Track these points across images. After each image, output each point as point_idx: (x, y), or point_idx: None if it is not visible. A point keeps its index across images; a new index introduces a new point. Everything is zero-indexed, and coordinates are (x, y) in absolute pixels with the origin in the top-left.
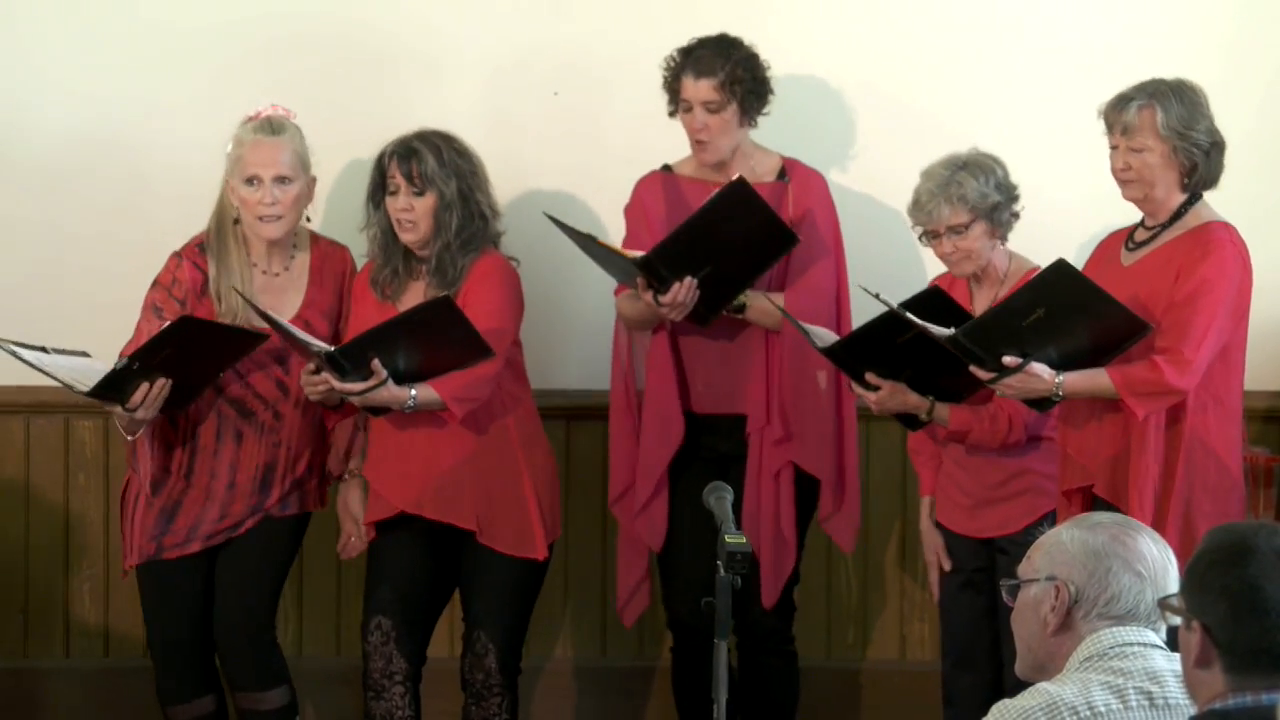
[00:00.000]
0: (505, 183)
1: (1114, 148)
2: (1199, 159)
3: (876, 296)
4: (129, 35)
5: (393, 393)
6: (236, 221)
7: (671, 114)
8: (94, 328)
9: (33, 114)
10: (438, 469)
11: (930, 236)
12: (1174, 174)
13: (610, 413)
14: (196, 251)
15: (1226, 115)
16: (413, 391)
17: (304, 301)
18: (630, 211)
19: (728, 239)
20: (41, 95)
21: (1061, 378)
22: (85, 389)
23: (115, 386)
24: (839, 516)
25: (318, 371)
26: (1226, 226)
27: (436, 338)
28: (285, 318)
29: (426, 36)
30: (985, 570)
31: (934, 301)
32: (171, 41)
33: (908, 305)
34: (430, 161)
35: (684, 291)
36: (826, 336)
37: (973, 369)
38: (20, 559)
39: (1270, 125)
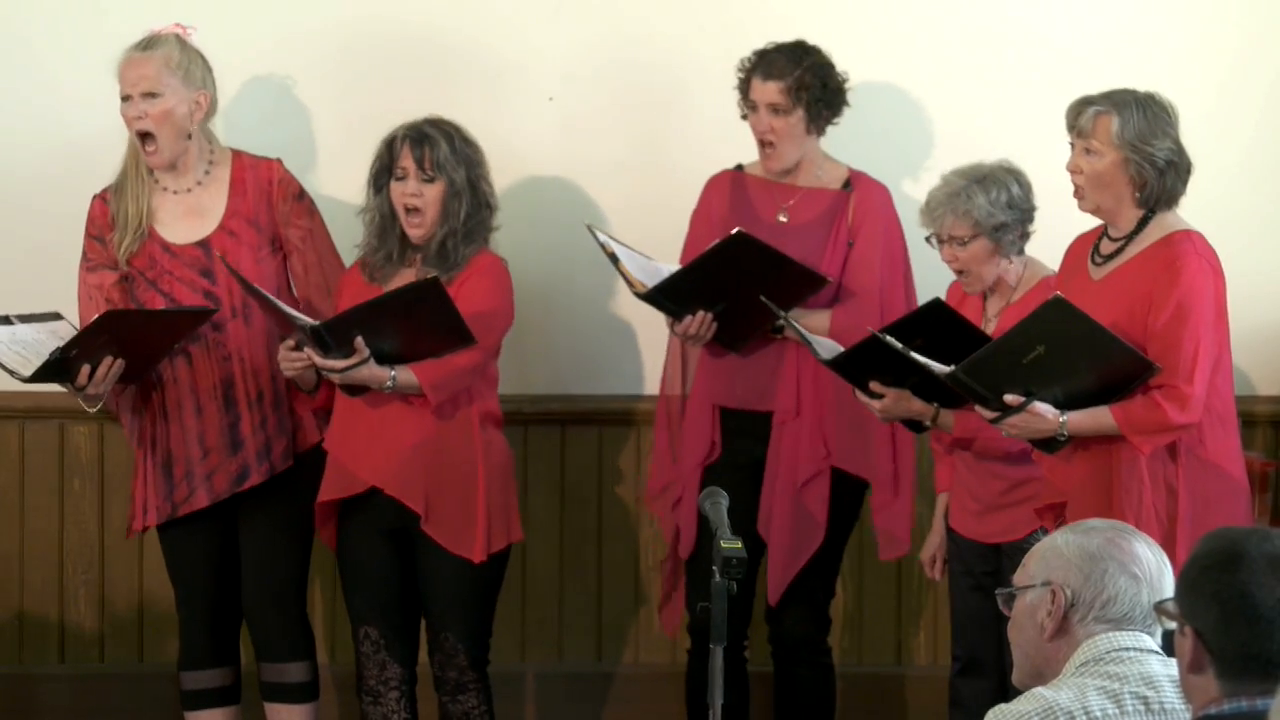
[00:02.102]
0: (515, 188)
1: (1071, 146)
2: (1150, 176)
3: (876, 334)
4: (125, 33)
5: (373, 372)
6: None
7: (743, 117)
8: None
9: (30, 117)
10: (400, 446)
11: (936, 240)
12: (1125, 185)
13: (657, 414)
14: (109, 190)
15: (1228, 122)
16: (393, 372)
17: (225, 213)
18: (696, 212)
19: (740, 281)
20: (46, 98)
21: (1065, 417)
22: (26, 374)
23: (59, 371)
24: (892, 511)
25: (298, 347)
26: (1188, 235)
27: (422, 320)
28: (205, 232)
29: (428, 38)
30: (993, 574)
31: (935, 315)
32: None
33: (909, 321)
34: (443, 148)
35: (696, 325)
36: (831, 348)
37: (976, 408)
38: (15, 564)
39: (1271, 132)
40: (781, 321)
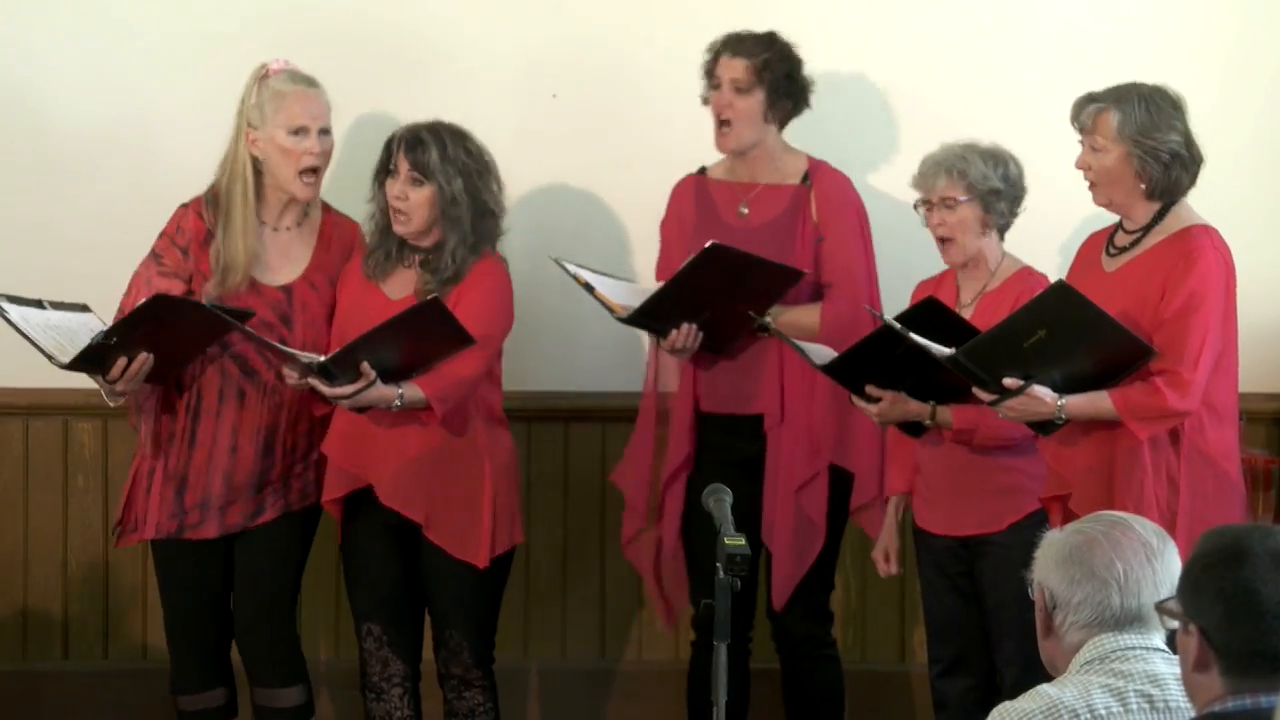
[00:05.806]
0: (516, 186)
1: (1080, 143)
2: (1154, 169)
3: (877, 316)
4: (134, 34)
5: (382, 392)
6: (259, 173)
7: (704, 101)
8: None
9: (36, 111)
10: (401, 456)
11: (924, 206)
12: (1132, 179)
13: (637, 426)
14: (202, 204)
15: (1227, 118)
16: (400, 390)
17: (310, 264)
18: (666, 222)
19: (720, 288)
20: (45, 92)
21: (1064, 400)
22: (64, 360)
23: (95, 358)
24: (876, 507)
25: (303, 377)
26: (1207, 230)
27: (423, 337)
28: (290, 277)
29: (435, 35)
30: (967, 574)
31: (930, 312)
32: (177, 41)
33: (904, 318)
34: (434, 154)
35: (683, 338)
36: (824, 354)
37: (975, 390)
38: (19, 561)
39: (1270, 130)
40: (768, 319)
